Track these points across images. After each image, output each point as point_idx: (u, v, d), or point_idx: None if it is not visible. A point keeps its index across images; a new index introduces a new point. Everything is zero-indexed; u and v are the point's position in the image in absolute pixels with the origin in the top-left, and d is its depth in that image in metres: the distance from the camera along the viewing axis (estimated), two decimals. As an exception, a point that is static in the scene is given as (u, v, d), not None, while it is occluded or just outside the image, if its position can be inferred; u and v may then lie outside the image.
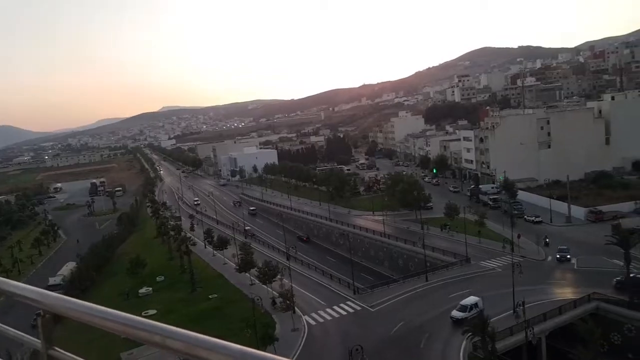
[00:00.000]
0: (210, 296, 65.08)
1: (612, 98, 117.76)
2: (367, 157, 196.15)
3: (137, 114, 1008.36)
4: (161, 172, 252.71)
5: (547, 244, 66.05)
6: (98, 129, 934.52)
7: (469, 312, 47.37)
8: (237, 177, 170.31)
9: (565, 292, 52.84)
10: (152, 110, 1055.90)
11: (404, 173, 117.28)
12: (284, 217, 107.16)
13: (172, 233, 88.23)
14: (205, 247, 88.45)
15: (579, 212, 78.78)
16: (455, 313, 47.88)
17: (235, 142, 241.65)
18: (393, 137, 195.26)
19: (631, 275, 51.21)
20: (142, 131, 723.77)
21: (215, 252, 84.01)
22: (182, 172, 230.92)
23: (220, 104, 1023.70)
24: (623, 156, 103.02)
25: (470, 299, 49.49)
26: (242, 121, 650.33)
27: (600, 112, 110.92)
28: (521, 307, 46.63)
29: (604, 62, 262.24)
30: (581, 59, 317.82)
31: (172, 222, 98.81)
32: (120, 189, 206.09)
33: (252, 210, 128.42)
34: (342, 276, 66.34)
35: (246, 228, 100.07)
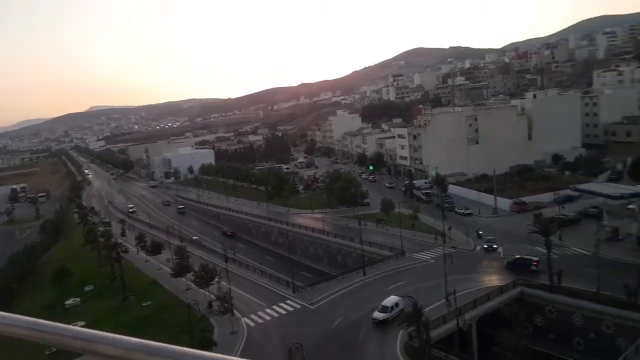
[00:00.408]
0: (143, 304, 62.88)
1: (534, 96, 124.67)
2: (306, 155, 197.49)
3: (62, 114, 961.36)
4: (90, 175, 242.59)
5: (480, 236, 69.08)
6: (19, 130, 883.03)
7: (390, 312, 47.82)
8: (172, 178, 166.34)
9: (493, 280, 55.84)
10: (78, 111, 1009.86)
11: (342, 171, 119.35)
12: (221, 218, 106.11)
13: (101, 239, 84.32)
14: (138, 253, 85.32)
15: (504, 203, 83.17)
16: (377, 314, 47.94)
17: (169, 143, 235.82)
18: (331, 136, 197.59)
19: (517, 257, 58.41)
20: (68, 132, 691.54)
21: (148, 257, 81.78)
22: (112, 174, 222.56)
23: (154, 103, 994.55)
24: (544, 150, 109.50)
25: (391, 299, 49.41)
26: (176, 121, 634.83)
27: (523, 109, 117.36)
28: (452, 296, 48.77)
29: (527, 62, 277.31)
30: (506, 59, 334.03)
31: (101, 228, 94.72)
32: (44, 194, 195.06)
33: (181, 208, 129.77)
34: (282, 275, 66.77)
35: (193, 238, 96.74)
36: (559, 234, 65.42)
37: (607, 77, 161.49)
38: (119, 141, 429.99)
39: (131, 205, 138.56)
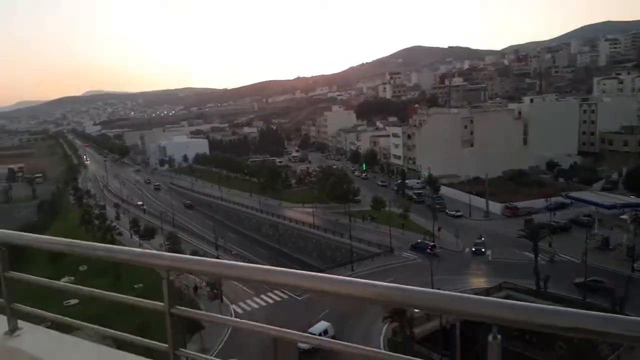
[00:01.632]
0: (135, 285, 63.57)
1: (531, 101, 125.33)
2: (299, 150, 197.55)
3: (58, 97, 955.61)
4: (87, 161, 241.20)
5: (481, 243, 67.07)
6: (17, 111, 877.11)
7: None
8: (166, 166, 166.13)
9: (480, 282, 56.31)
10: (74, 94, 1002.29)
11: (335, 167, 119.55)
12: (213, 207, 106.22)
13: (96, 222, 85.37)
14: (132, 237, 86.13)
15: (496, 207, 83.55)
16: (302, 344, 45.40)
17: (164, 131, 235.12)
18: (326, 131, 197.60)
19: (418, 240, 67.84)
20: (65, 116, 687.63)
21: (141, 241, 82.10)
22: (105, 158, 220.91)
23: (150, 90, 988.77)
24: (539, 156, 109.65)
25: (320, 325, 46.01)
26: (172, 109, 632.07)
27: (520, 113, 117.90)
28: None
29: (526, 65, 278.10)
30: (506, 62, 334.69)
31: (96, 211, 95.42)
32: (41, 175, 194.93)
33: (157, 185, 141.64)
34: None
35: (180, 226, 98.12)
36: (549, 240, 66.00)
37: (607, 84, 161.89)
38: (116, 126, 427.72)
39: (140, 202, 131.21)
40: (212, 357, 3.08)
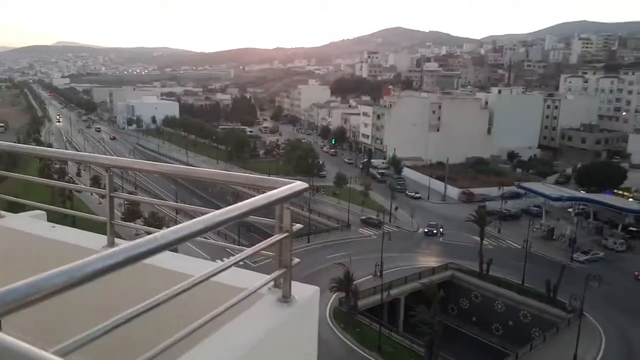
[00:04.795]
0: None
1: (499, 92, 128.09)
2: (271, 121, 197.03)
3: (27, 45, 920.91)
4: (59, 120, 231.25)
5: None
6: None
7: None
8: (134, 126, 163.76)
9: (429, 261, 58.88)
10: (44, 44, 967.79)
11: (304, 141, 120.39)
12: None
13: (55, 177, 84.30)
14: (91, 195, 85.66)
15: (453, 192, 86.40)
16: None
17: (134, 90, 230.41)
18: (299, 105, 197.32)
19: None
20: (32, 65, 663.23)
21: (101, 200, 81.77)
22: (85, 121, 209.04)
23: (124, 47, 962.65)
24: (501, 146, 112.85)
25: None
26: (145, 68, 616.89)
27: (486, 103, 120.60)
28: (378, 267, 51.38)
29: (501, 57, 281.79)
30: (482, 52, 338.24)
31: (56, 165, 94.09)
32: (3, 125, 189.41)
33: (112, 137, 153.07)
34: (229, 232, 68.19)
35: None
36: (498, 226, 69.13)
37: (573, 82, 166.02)
38: (85, 81, 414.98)
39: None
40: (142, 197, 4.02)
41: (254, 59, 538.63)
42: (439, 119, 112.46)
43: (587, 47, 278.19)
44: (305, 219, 69.66)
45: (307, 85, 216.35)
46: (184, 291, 2.11)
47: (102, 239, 3.88)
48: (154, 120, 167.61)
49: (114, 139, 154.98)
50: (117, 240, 3.81)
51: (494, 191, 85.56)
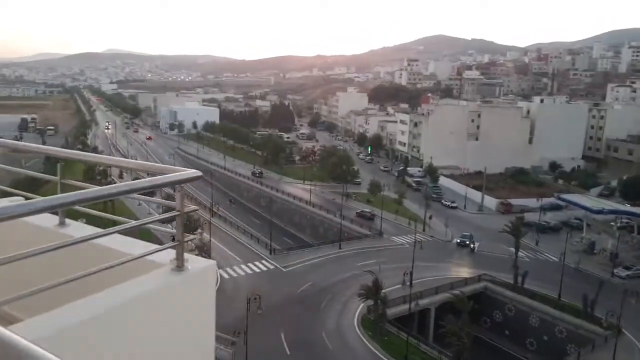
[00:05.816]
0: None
1: (541, 101, 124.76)
2: (309, 127, 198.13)
3: (79, 52, 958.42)
4: (108, 127, 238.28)
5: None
6: (36, 62, 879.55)
7: None
8: (176, 130, 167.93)
9: (461, 272, 57.78)
10: (95, 51, 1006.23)
11: (340, 148, 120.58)
12: (215, 175, 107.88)
13: (98, 177, 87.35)
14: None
15: (491, 202, 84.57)
16: None
17: (177, 95, 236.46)
18: (337, 112, 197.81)
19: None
20: (83, 71, 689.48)
21: (141, 201, 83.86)
22: (125, 123, 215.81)
23: (169, 54, 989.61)
24: (542, 156, 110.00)
25: None
26: (189, 75, 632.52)
27: (528, 112, 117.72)
28: (407, 276, 50.81)
29: (546, 65, 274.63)
30: (526, 60, 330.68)
31: (100, 167, 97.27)
32: (53, 128, 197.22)
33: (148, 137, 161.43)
34: (262, 237, 68.84)
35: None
36: (536, 238, 67.29)
37: (621, 92, 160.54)
38: (131, 87, 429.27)
39: None
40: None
41: (294, 67, 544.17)
42: (478, 127, 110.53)
43: (637, 56, 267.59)
44: (339, 226, 69.87)
45: (345, 92, 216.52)
46: (56, 249, 2.26)
47: None
48: (195, 125, 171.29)
49: (149, 138, 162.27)
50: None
51: (533, 202, 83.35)
